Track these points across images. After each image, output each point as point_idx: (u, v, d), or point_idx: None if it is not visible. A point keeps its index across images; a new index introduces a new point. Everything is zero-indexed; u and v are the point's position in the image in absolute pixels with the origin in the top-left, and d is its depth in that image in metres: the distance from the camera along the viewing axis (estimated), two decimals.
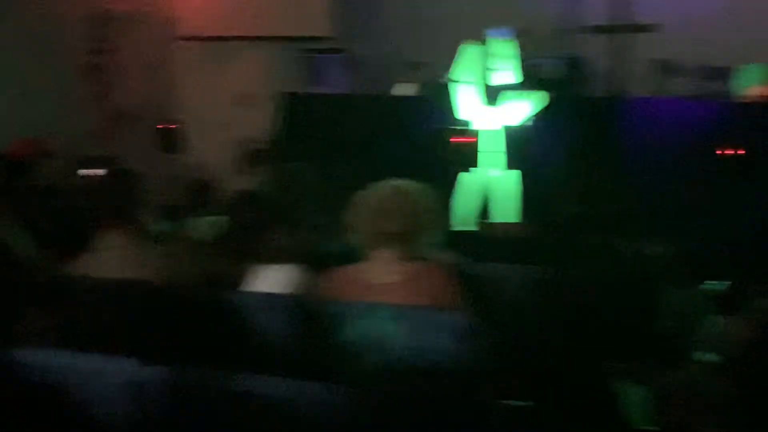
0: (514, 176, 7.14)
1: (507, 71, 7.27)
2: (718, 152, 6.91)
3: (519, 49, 7.41)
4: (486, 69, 7.27)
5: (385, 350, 3.16)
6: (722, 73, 8.67)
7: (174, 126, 9.98)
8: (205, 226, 5.04)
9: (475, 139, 7.02)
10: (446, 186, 7.24)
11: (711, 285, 5.14)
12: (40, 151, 7.25)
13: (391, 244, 3.48)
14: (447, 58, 7.89)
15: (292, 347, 3.30)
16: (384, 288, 3.44)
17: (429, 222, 3.54)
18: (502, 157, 7.07)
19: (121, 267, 3.81)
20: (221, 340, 3.27)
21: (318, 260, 3.82)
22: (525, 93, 7.26)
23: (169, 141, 9.90)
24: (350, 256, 3.66)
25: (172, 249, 4.14)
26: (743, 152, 6.83)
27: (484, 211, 6.98)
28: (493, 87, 7.25)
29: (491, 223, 5.99)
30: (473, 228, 6.43)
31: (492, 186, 7.13)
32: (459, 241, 5.09)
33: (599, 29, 10.53)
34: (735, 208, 7.13)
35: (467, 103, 7.27)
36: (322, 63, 10.13)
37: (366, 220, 3.56)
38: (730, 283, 5.10)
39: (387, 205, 3.53)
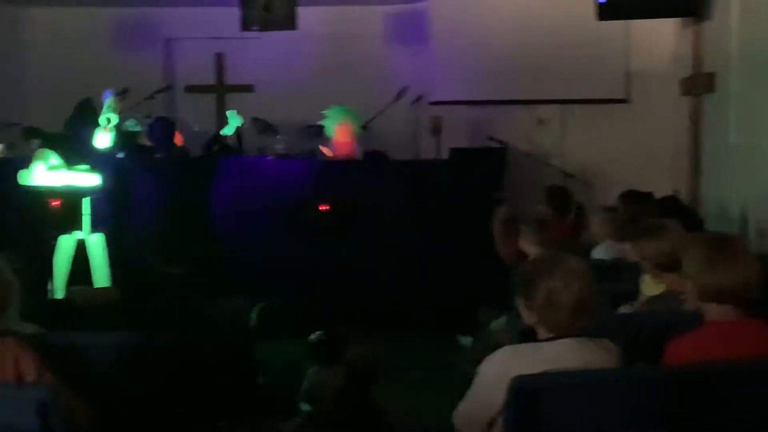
0: (101, 239, 6.98)
1: (105, 132, 7.10)
2: (313, 208, 7.20)
3: (117, 109, 7.28)
4: (82, 128, 7.07)
5: None
6: (316, 131, 9.09)
7: None
8: None
9: (67, 202, 6.77)
10: (46, 251, 6.93)
11: (313, 336, 5.30)
12: None
13: None
14: (39, 119, 7.61)
15: None
16: None
17: (7, 295, 3.35)
18: (91, 220, 6.87)
19: None
20: None
21: None
22: (117, 153, 7.17)
23: None
24: None
25: None
26: (328, 208, 7.17)
27: (77, 276, 6.75)
28: (88, 146, 7.05)
29: (82, 289, 5.82)
30: (65, 295, 6.20)
31: (83, 250, 6.93)
32: (50, 309, 4.89)
33: (196, 89, 10.73)
34: (332, 262, 7.46)
35: (58, 164, 7.01)
36: None
37: None
38: (324, 333, 5.29)
39: None
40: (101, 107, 7.11)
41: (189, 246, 4.41)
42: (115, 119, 7.15)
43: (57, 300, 6.00)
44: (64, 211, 6.81)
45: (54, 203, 6.69)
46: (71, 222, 6.86)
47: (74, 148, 7.02)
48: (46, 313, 4.04)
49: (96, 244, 6.98)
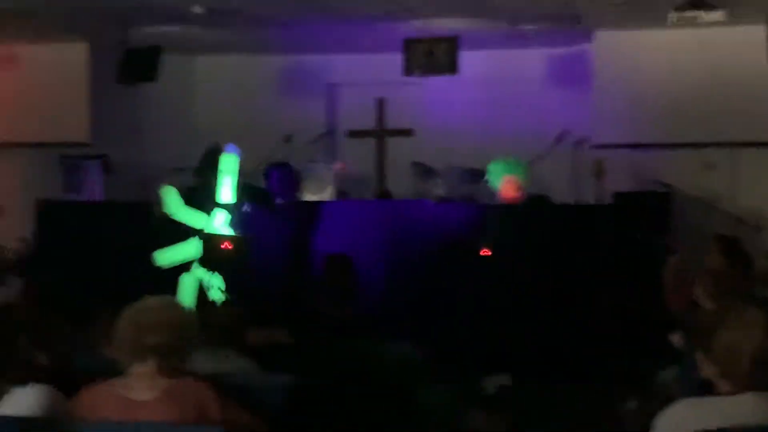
0: (220, 280, 7.11)
1: (230, 184, 7.29)
2: (474, 253, 7.16)
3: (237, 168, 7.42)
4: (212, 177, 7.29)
5: None
6: (477, 175, 9.09)
7: None
8: None
9: (236, 245, 6.96)
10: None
11: (492, 380, 5.24)
12: None
13: (152, 358, 3.38)
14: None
15: None
16: (143, 405, 3.32)
17: (191, 336, 3.47)
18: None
19: None
20: None
21: (71, 378, 3.63)
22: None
23: None
24: (108, 372, 3.52)
25: None
26: (489, 253, 7.12)
27: None
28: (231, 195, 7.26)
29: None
30: None
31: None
32: None
33: (358, 134, 10.90)
34: (493, 307, 7.39)
35: (220, 210, 7.24)
36: (81, 169, 9.81)
37: (128, 334, 3.45)
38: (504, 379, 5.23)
39: (149, 318, 3.44)
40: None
41: (350, 290, 4.46)
42: (234, 179, 7.30)
43: None
44: (232, 253, 6.98)
45: (225, 246, 6.89)
46: (238, 264, 7.03)
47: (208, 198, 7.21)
48: None
49: (215, 284, 7.11)
